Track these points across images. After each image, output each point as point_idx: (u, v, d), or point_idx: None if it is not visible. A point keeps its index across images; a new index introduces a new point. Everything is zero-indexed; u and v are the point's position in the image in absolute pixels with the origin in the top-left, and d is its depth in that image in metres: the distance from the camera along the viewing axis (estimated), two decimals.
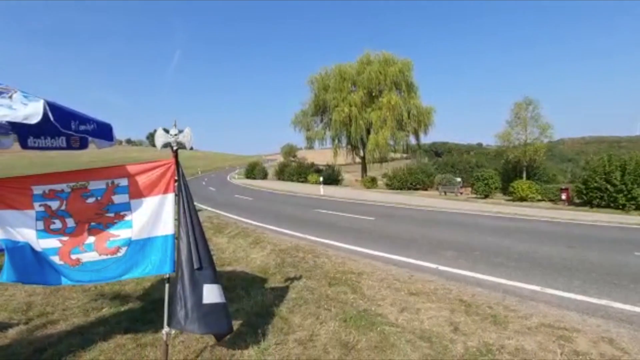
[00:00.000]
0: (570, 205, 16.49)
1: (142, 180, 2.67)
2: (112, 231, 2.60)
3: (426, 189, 26.59)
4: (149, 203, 2.67)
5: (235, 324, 3.54)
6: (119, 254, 2.60)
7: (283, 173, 41.82)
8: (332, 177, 33.81)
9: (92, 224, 2.59)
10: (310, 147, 38.16)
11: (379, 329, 3.46)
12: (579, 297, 4.45)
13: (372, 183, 29.98)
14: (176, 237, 2.75)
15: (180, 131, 2.89)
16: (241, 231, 9.23)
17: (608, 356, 3.01)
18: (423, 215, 12.76)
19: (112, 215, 2.61)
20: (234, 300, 4.21)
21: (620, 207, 14.50)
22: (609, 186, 14.83)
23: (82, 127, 2.27)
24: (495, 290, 4.71)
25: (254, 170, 47.88)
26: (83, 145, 3.09)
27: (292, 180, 38.50)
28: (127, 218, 2.63)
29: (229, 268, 5.85)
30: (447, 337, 3.34)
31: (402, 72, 31.04)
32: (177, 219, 2.75)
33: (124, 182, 2.65)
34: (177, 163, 2.77)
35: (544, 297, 4.49)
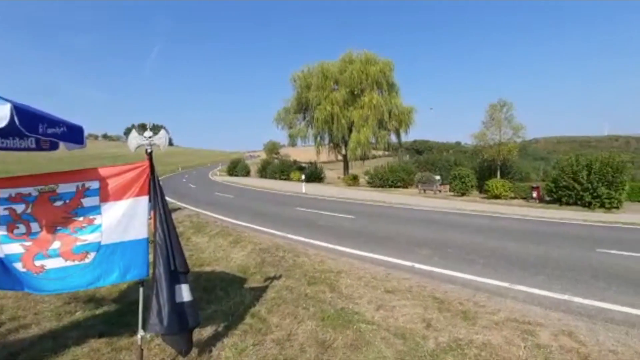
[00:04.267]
0: (541, 202, 17.19)
1: (114, 183, 2.64)
2: (80, 236, 2.54)
3: (407, 187, 27.04)
4: (121, 206, 2.63)
5: (213, 326, 3.56)
6: (87, 260, 2.54)
7: (265, 170, 41.53)
8: (314, 175, 33.86)
9: (59, 228, 2.52)
10: (293, 145, 38.05)
11: (355, 327, 3.56)
12: (544, 293, 4.70)
13: (354, 181, 30.24)
14: (151, 240, 2.74)
15: (155, 133, 2.87)
16: (221, 230, 9.16)
17: (567, 348, 3.21)
18: (402, 213, 13.02)
19: (80, 219, 2.56)
20: (212, 302, 4.21)
21: (587, 205, 15.24)
22: (576, 185, 15.56)
23: (50, 130, 2.22)
24: (467, 287, 4.91)
25: (236, 168, 47.34)
26: (53, 146, 3.01)
27: (274, 178, 38.28)
28: (96, 222, 2.58)
29: (208, 268, 5.82)
30: (420, 333, 3.46)
31: (384, 71, 31.37)
32: (153, 222, 2.74)
33: (94, 184, 2.61)
34: (152, 166, 2.75)
35: (511, 292, 4.72)
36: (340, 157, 37.19)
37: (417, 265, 5.99)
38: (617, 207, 14.94)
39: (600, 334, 3.48)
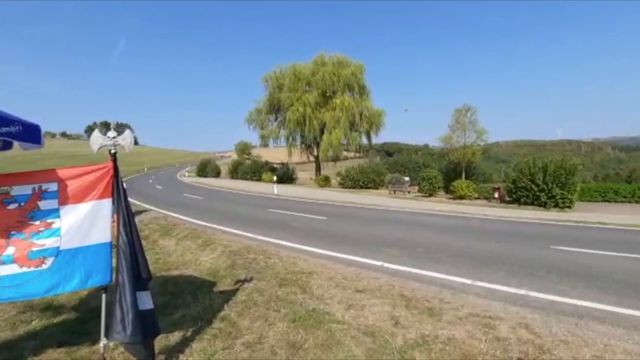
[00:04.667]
0: (502, 202, 18.15)
1: (74, 185, 2.52)
2: (36, 240, 2.41)
3: (377, 188, 27.57)
4: (82, 209, 2.52)
5: (181, 331, 3.47)
6: (44, 266, 2.41)
7: (237, 171, 40.82)
8: (286, 176, 33.73)
9: (13, 232, 2.37)
10: (265, 146, 37.71)
11: (326, 327, 3.60)
12: (503, 288, 4.99)
13: (325, 182, 30.41)
14: (114, 244, 2.64)
15: (120, 132, 2.77)
16: (190, 232, 8.92)
17: (524, 340, 3.42)
18: (372, 214, 13.28)
19: (37, 223, 2.42)
20: (180, 306, 4.11)
21: (542, 204, 16.27)
22: (533, 186, 16.56)
23: (4, 129, 2.09)
24: (433, 285, 5.11)
25: (206, 168, 46.15)
26: (6, 145, 2.81)
27: (246, 179, 37.72)
28: (54, 226, 2.45)
29: (175, 272, 5.65)
30: (389, 331, 3.57)
31: (355, 74, 31.83)
32: (116, 225, 2.64)
33: (53, 186, 2.48)
34: (116, 167, 2.65)
35: (474, 289, 4.97)
36: (312, 158, 37.25)
37: (386, 265, 6.15)
38: (569, 207, 16.07)
39: (553, 326, 3.75)
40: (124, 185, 2.81)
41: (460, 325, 3.69)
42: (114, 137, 2.69)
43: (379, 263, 6.25)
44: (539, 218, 12.49)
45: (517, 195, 17.30)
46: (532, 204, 16.70)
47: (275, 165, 39.65)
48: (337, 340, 3.33)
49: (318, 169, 35.81)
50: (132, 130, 2.88)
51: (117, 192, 2.63)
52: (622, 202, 18.04)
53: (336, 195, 21.27)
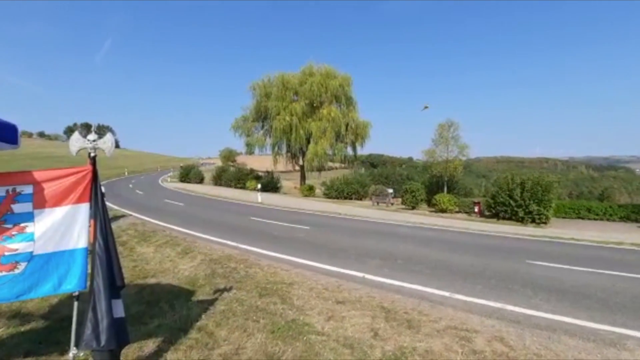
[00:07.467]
0: (482, 217, 18.58)
1: (51, 188, 2.45)
2: (9, 245, 2.32)
3: (361, 199, 27.75)
4: (58, 213, 2.45)
5: (156, 341, 3.38)
6: (16, 271, 2.32)
7: (220, 178, 40.30)
8: (271, 184, 33.56)
9: None
10: (250, 153, 37.48)
11: (305, 338, 3.58)
12: (480, 301, 5.08)
13: (310, 191, 30.40)
14: (90, 250, 2.56)
15: (101, 135, 2.72)
16: (170, 240, 8.73)
17: (498, 353, 3.50)
18: (355, 225, 13.33)
19: (9, 226, 2.34)
20: (156, 315, 4.00)
21: (520, 219, 16.76)
22: (511, 201, 17.08)
23: None
24: (413, 297, 5.16)
25: (189, 174, 45.38)
26: None
27: (230, 186, 37.24)
28: (28, 230, 2.38)
29: (152, 280, 5.50)
30: (368, 343, 3.57)
31: (342, 86, 32.27)
32: (92, 231, 2.57)
33: (28, 189, 2.40)
34: (95, 171, 2.60)
35: (452, 301, 5.04)
36: (297, 168, 37.23)
37: (367, 276, 6.17)
38: (545, 223, 16.60)
39: (527, 339, 3.84)
40: (102, 189, 2.75)
41: (438, 338, 3.73)
42: (94, 140, 2.64)
43: (360, 274, 6.27)
44: (516, 233, 12.83)
45: (496, 210, 17.77)
46: (510, 219, 17.16)
47: (260, 174, 39.39)
48: (315, 352, 3.31)
49: (303, 178, 35.79)
50: (113, 133, 2.84)
51: (95, 197, 2.57)
52: (594, 219, 18.77)
53: (320, 205, 21.27)
